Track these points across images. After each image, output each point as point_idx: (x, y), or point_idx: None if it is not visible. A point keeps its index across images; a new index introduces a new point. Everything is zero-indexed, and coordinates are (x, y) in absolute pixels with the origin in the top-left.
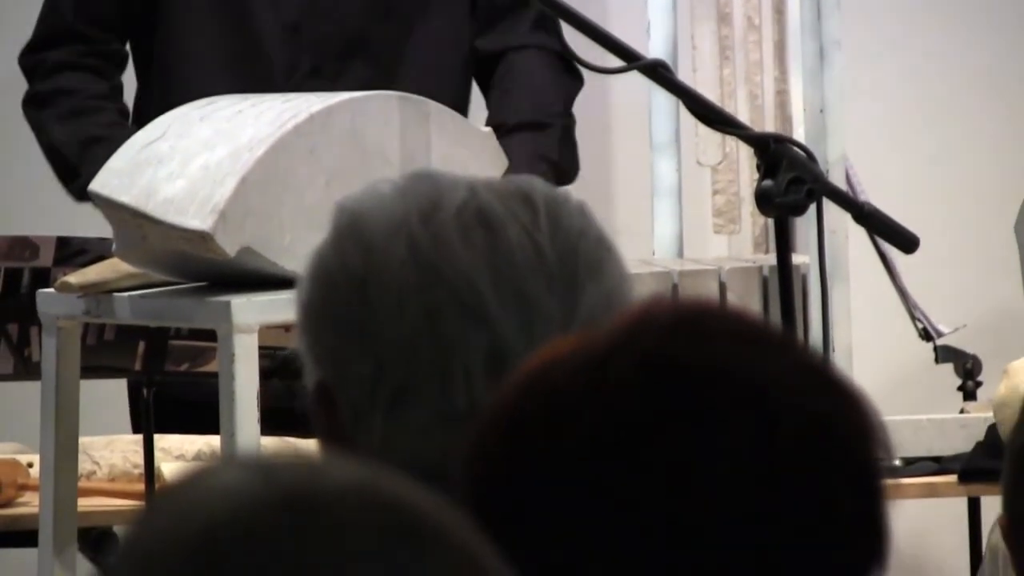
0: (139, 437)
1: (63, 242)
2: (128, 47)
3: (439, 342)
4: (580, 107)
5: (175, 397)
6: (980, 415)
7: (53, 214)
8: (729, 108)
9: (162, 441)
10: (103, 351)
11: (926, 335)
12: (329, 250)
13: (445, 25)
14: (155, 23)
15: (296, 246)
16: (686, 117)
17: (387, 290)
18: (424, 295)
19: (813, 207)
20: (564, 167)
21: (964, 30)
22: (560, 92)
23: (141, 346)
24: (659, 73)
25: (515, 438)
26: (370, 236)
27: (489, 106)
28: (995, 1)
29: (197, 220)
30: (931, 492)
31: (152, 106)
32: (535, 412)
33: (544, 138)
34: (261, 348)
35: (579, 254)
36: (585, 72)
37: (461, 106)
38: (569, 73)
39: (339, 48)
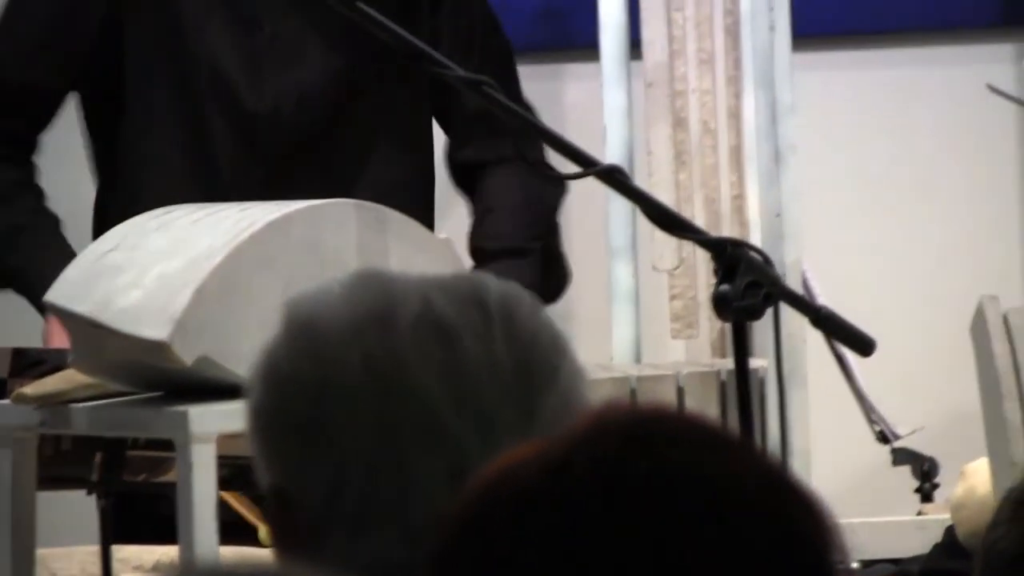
0: (98, 548)
1: (19, 353)
2: (90, 147)
3: (399, 459)
4: None
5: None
6: (938, 517)
7: (3, 325)
8: (685, 212)
9: (120, 552)
10: (60, 462)
11: (883, 438)
12: (282, 356)
13: (405, 140)
14: (119, 126)
15: (254, 354)
16: (643, 222)
17: (344, 404)
18: (382, 412)
19: (770, 311)
20: (549, 289)
21: (919, 131)
22: (540, 209)
23: (98, 457)
24: (615, 178)
25: (476, 545)
26: (323, 345)
27: (472, 219)
28: (950, 105)
29: (154, 330)
30: None
31: (116, 205)
32: (495, 519)
33: (523, 266)
34: (220, 457)
35: (535, 361)
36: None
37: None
38: (551, 183)
39: (292, 156)
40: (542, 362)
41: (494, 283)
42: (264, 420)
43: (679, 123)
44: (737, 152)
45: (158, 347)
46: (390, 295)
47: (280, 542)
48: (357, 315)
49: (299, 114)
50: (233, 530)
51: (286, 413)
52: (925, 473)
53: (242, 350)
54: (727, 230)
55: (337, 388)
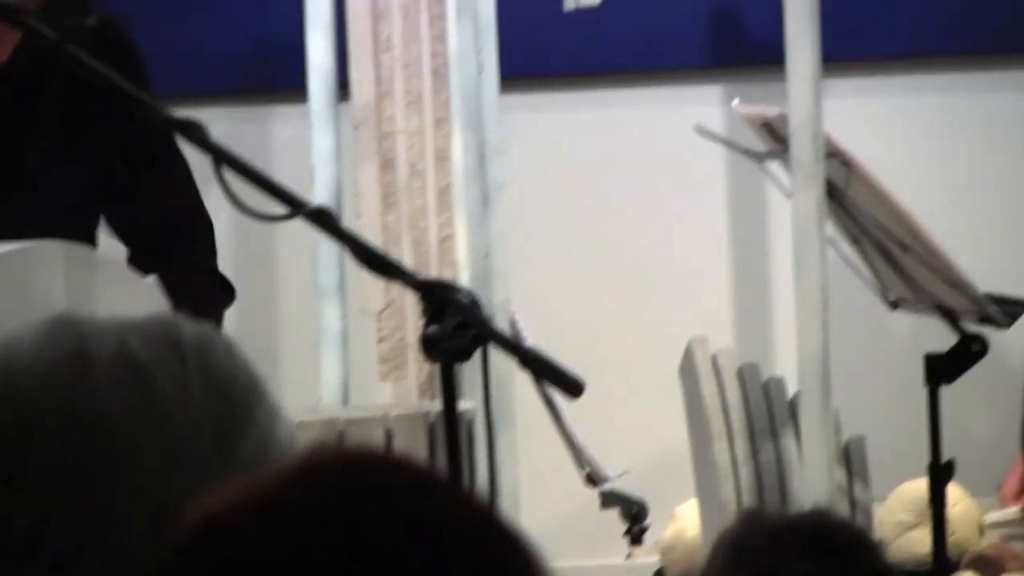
0: None
1: None
2: None
3: (98, 503)
4: (246, 253)
5: None
6: (647, 560)
7: None
8: (394, 254)
9: None
10: None
11: (592, 480)
12: None
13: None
14: None
15: None
16: (351, 264)
17: (40, 449)
18: (79, 456)
19: (479, 352)
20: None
21: (628, 172)
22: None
23: None
24: (323, 220)
25: None
26: (17, 390)
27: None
28: (659, 146)
29: None
30: None
31: None
32: (203, 565)
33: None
34: None
35: (231, 401)
36: (250, 220)
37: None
38: (222, 290)
39: None
40: (239, 403)
41: (188, 325)
42: None
43: (387, 164)
44: (446, 193)
45: None
46: (84, 337)
47: None
48: (51, 358)
49: None
50: None
51: None
52: (634, 516)
53: None
54: (436, 271)
55: (33, 432)
